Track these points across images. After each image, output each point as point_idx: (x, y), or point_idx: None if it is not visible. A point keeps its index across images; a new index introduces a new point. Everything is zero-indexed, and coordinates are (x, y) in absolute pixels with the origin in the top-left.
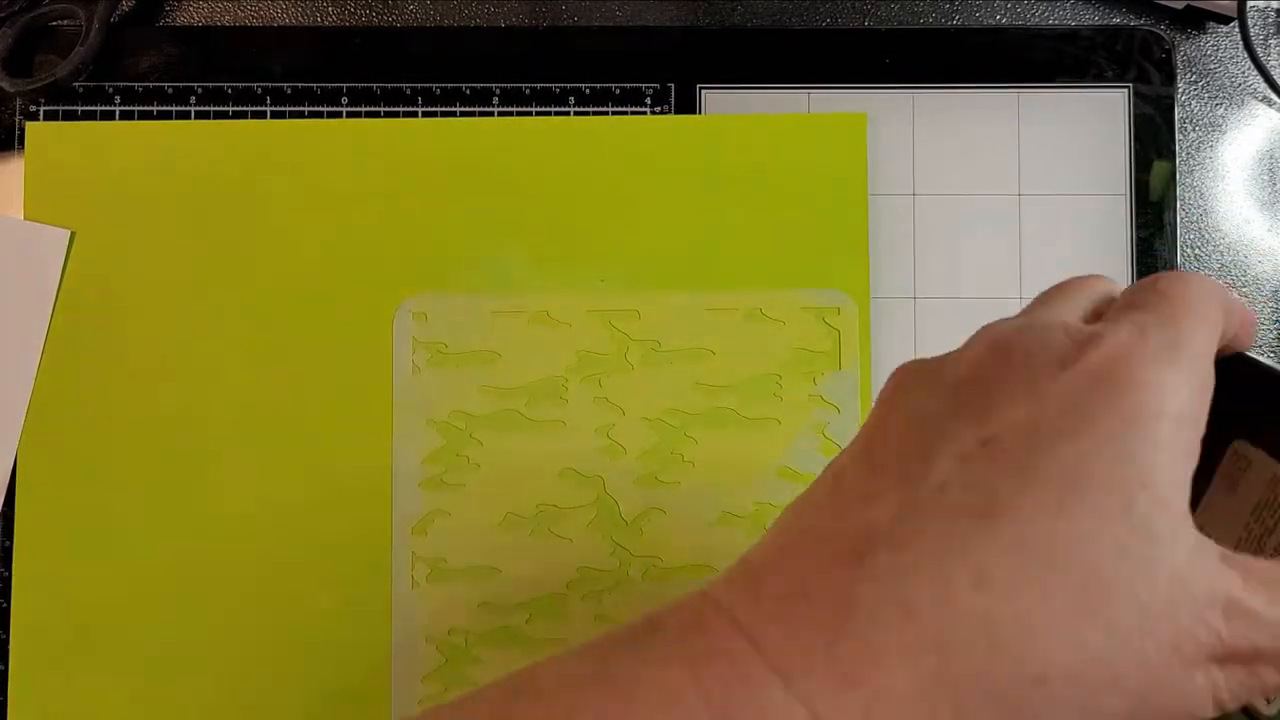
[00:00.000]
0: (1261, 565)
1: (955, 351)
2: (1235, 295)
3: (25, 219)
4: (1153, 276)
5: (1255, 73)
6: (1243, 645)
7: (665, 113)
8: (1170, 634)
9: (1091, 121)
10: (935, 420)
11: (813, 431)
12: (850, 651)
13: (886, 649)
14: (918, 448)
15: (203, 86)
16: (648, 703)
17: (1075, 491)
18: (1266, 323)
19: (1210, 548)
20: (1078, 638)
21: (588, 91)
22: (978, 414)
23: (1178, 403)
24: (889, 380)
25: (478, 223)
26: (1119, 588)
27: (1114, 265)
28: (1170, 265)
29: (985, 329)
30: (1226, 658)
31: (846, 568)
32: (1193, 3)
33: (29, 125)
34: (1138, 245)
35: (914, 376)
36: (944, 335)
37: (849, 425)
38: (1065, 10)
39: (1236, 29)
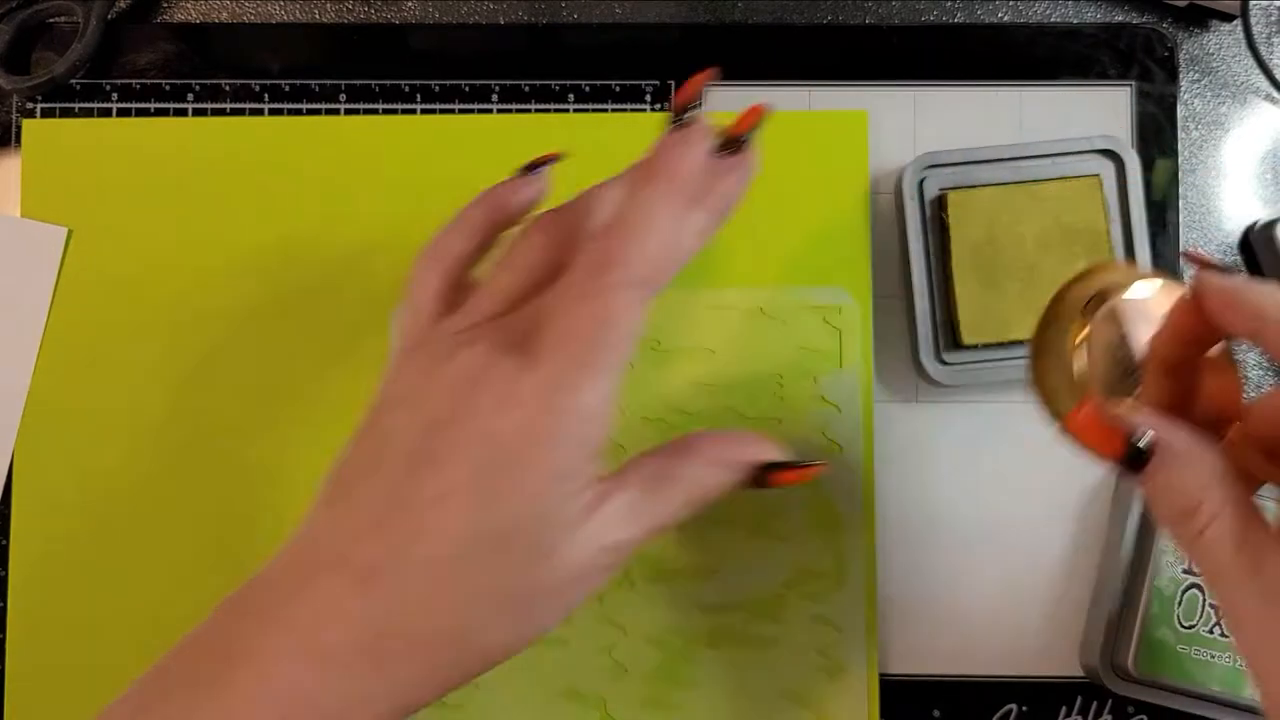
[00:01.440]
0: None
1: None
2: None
3: (22, 216)
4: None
5: (1258, 70)
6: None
7: (666, 110)
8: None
9: (1094, 119)
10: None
11: (814, 431)
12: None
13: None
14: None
15: (200, 83)
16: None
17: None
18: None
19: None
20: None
21: (587, 89)
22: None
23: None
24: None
25: None
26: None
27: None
28: (1173, 264)
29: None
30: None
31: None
32: (1196, 0)
33: (25, 123)
34: None
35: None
36: None
37: (850, 424)
38: (1068, 8)
39: (1239, 27)
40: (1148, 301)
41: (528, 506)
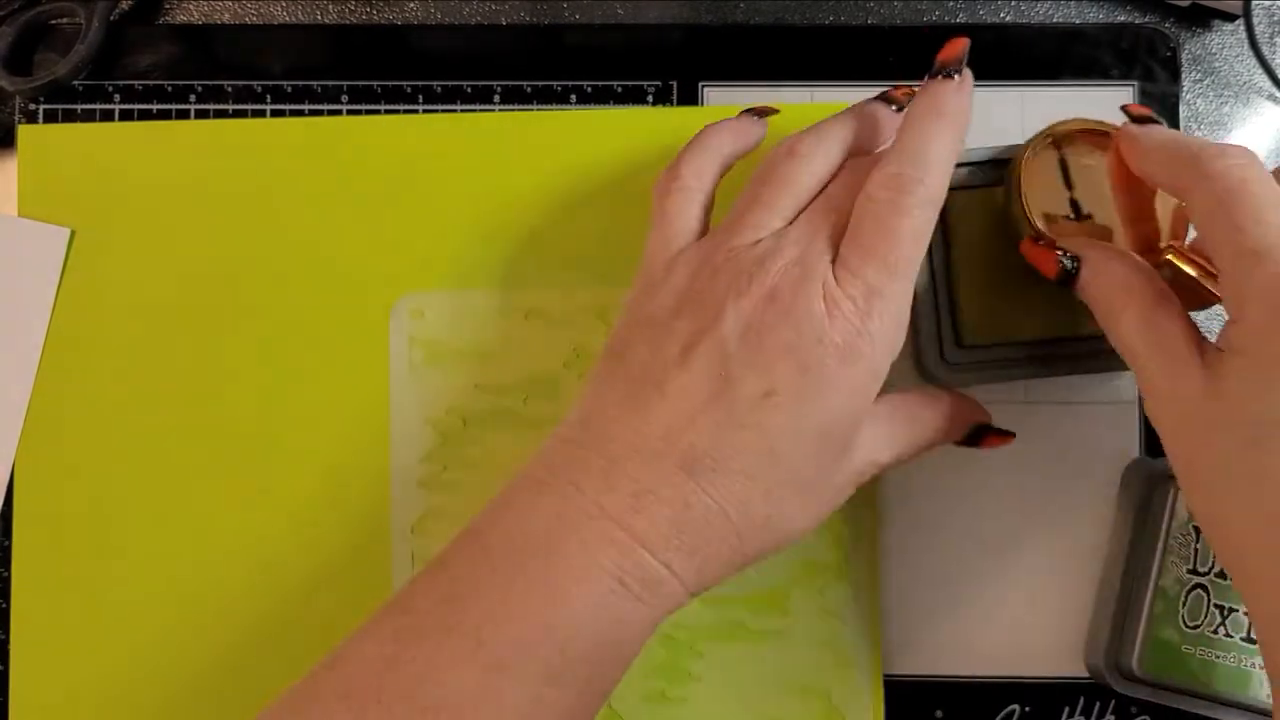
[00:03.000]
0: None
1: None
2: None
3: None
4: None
5: (1260, 70)
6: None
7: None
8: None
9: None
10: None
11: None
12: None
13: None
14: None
15: (203, 85)
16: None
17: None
18: None
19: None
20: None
21: (589, 89)
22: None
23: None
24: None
25: (474, 218)
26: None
27: None
28: None
29: (691, 253)
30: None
31: (680, 479)
32: (1198, 0)
33: (20, 129)
34: None
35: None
36: None
37: None
38: (1070, 8)
39: (1242, 26)
40: (1085, 143)
41: (848, 404)
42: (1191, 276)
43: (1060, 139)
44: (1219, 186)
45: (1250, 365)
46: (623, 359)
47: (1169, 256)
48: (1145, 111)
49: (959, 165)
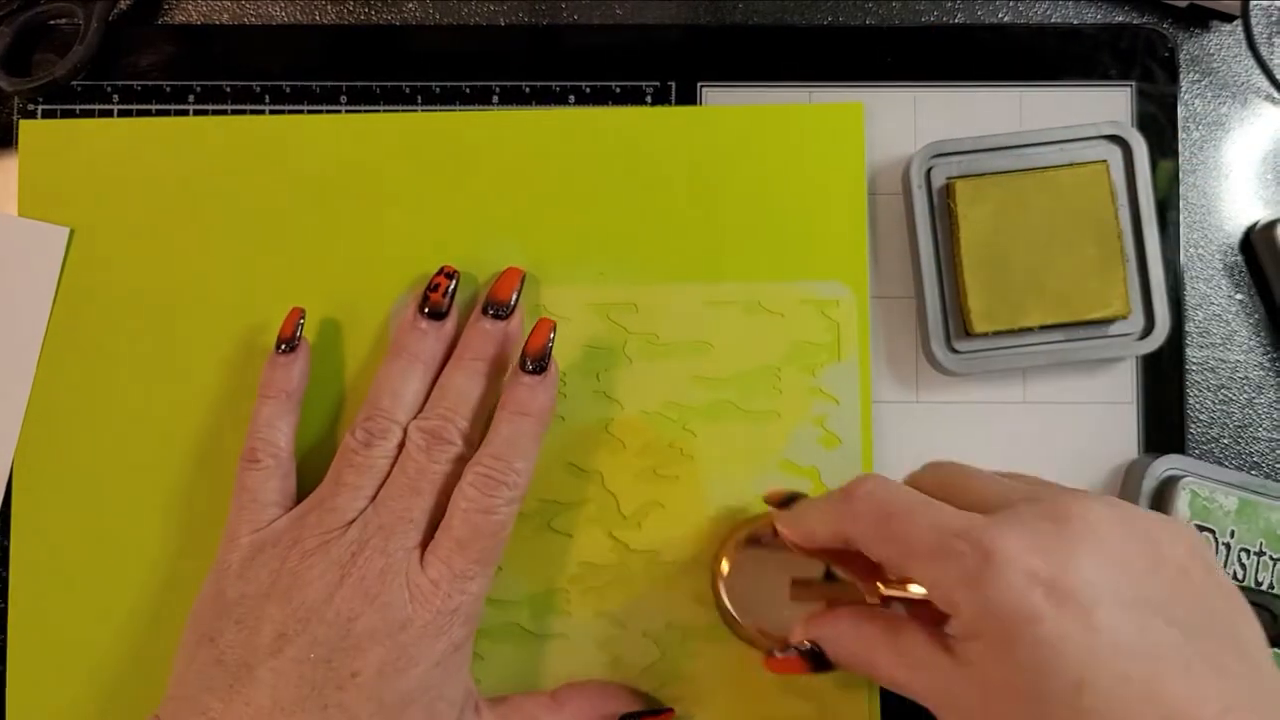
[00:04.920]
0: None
1: None
2: None
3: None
4: None
5: (1258, 71)
6: None
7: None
8: None
9: (1094, 120)
10: None
11: (812, 424)
12: None
13: None
14: None
15: (201, 85)
16: None
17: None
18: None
19: None
20: None
21: (588, 90)
22: None
23: None
24: None
25: (475, 217)
26: None
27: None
28: (1173, 264)
29: None
30: None
31: None
32: (1196, 0)
33: (22, 124)
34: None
35: None
36: None
37: (849, 417)
38: (1068, 8)
39: (1240, 27)
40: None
41: (429, 674)
42: (910, 600)
43: (742, 544)
44: (867, 521)
45: (983, 647)
46: (214, 643)
47: (883, 592)
48: (783, 493)
49: (961, 153)
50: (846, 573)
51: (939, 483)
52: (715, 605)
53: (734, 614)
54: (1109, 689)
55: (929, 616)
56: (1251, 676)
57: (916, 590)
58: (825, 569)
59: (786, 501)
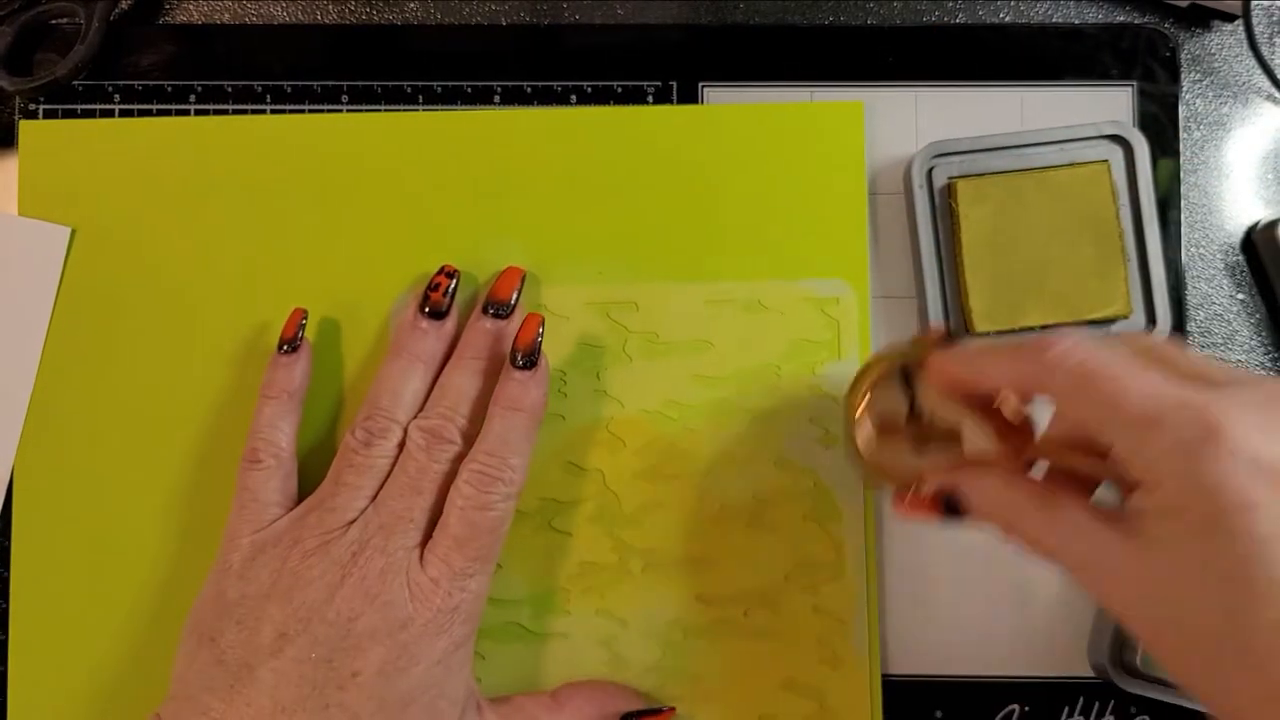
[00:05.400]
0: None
1: None
2: None
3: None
4: None
5: (1260, 70)
6: None
7: None
8: None
9: (1095, 119)
10: None
11: (812, 423)
12: None
13: None
14: None
15: (203, 85)
16: None
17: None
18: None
19: None
20: None
21: (589, 90)
22: None
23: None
24: None
25: (476, 216)
26: None
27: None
28: (1175, 264)
29: None
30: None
31: None
32: (1197, 0)
33: (22, 124)
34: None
35: None
36: None
37: None
38: (1069, 8)
39: (1241, 27)
40: (903, 374)
41: (430, 673)
42: (1075, 466)
43: (882, 379)
44: (1071, 375)
45: (1181, 526)
46: (214, 643)
47: (1042, 459)
48: (944, 329)
49: (963, 153)
50: (984, 430)
51: (1147, 348)
52: (846, 439)
53: (865, 449)
54: None
55: (1077, 491)
56: None
57: (1083, 452)
58: (914, 423)
59: (948, 339)
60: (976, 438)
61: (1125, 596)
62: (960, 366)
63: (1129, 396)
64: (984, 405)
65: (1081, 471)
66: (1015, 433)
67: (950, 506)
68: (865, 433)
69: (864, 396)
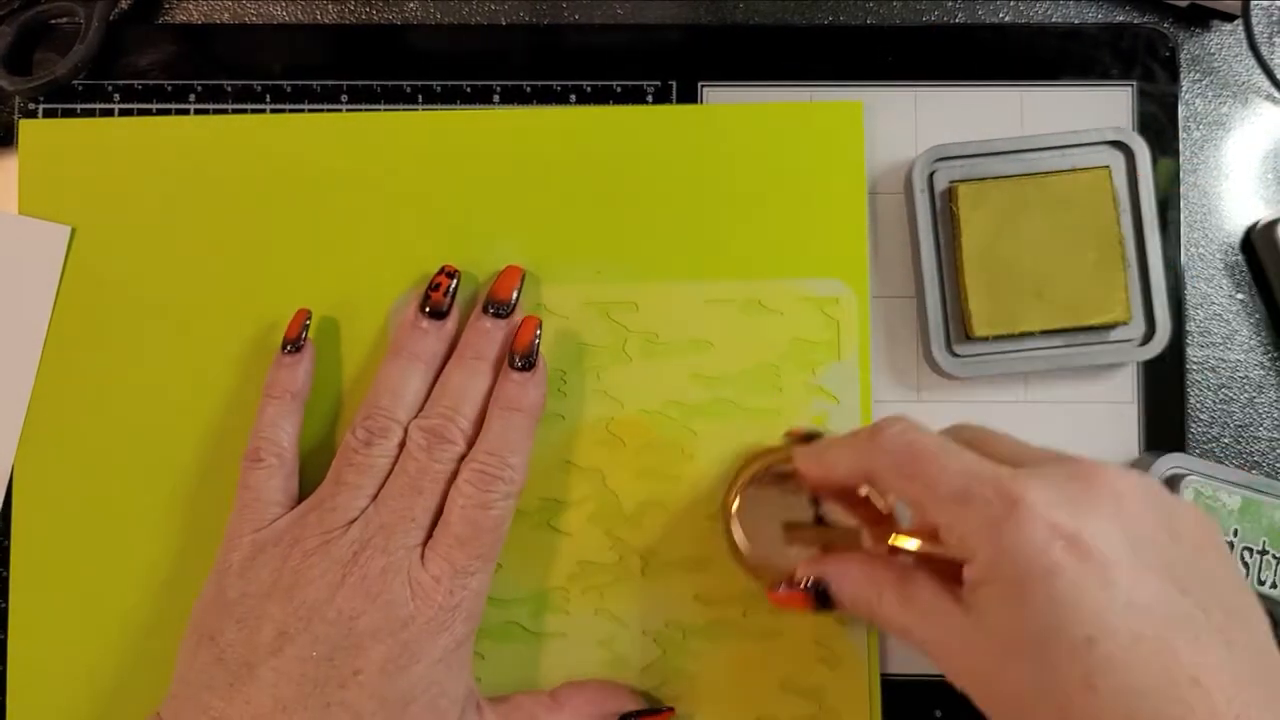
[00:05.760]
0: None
1: None
2: None
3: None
4: None
5: (1259, 70)
6: None
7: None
8: None
9: (1095, 119)
10: None
11: (813, 422)
12: None
13: None
14: None
15: (202, 84)
16: None
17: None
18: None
19: None
20: None
21: (589, 89)
22: None
23: None
24: None
25: (475, 216)
26: None
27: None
28: (1174, 264)
29: None
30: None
31: None
32: (1197, 0)
33: (22, 123)
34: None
35: None
36: None
37: (849, 415)
38: (1069, 8)
39: (1241, 26)
40: (772, 476)
41: (431, 672)
42: (919, 551)
43: (754, 480)
44: (895, 459)
45: (997, 592)
46: (214, 641)
47: (892, 542)
48: (804, 429)
49: (964, 157)
50: (854, 518)
51: (970, 438)
52: (724, 535)
53: (741, 547)
54: (1121, 646)
55: (935, 570)
56: (1257, 655)
57: (915, 545)
58: (816, 515)
59: (807, 438)
60: (843, 529)
61: (959, 665)
62: (813, 463)
63: (944, 475)
64: (851, 497)
65: (942, 556)
66: (884, 521)
67: (820, 596)
68: (739, 533)
69: (736, 496)
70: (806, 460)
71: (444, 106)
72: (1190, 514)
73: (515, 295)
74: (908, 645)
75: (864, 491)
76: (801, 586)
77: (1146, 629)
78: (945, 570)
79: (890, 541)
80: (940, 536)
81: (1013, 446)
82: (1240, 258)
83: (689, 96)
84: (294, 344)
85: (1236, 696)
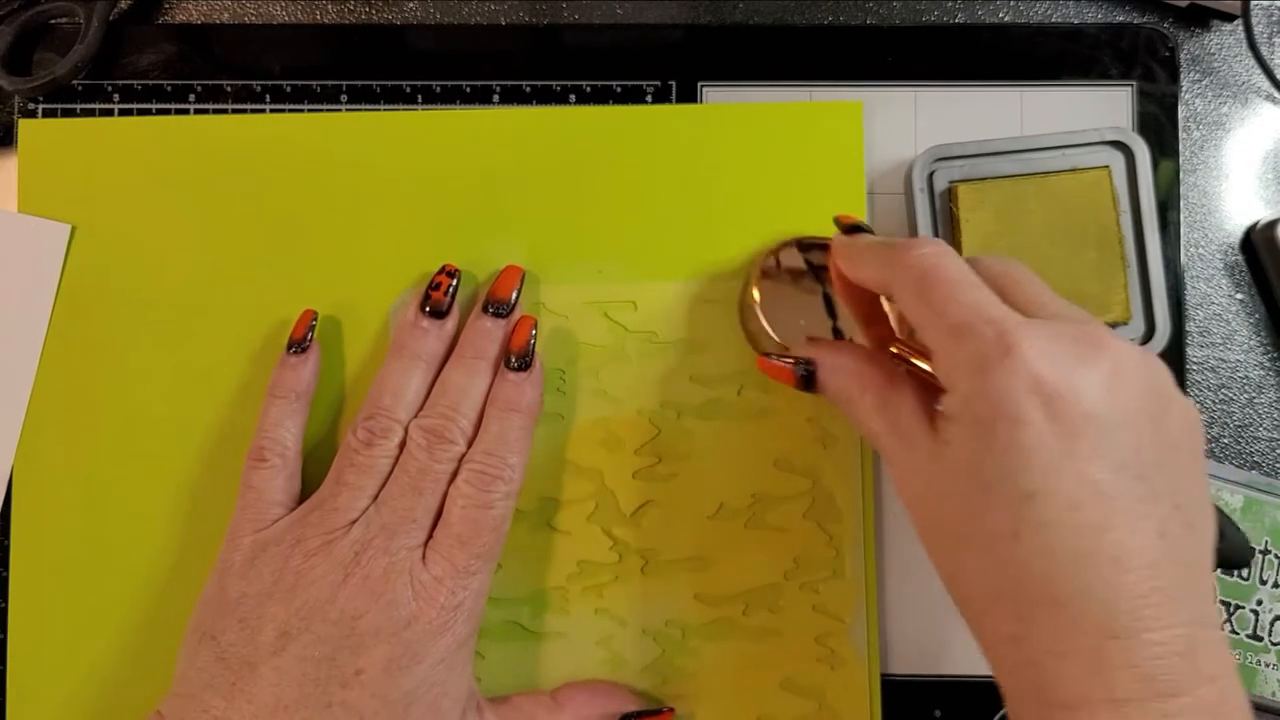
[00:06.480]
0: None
1: None
2: None
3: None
4: None
5: (1259, 70)
6: None
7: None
8: None
9: (1095, 119)
10: None
11: (811, 422)
12: None
13: None
14: None
15: (202, 84)
16: None
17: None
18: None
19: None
20: None
21: (588, 89)
22: None
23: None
24: None
25: (475, 215)
26: None
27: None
28: (1174, 264)
29: None
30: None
31: None
32: (1197, 0)
33: (22, 123)
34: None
35: None
36: None
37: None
38: (1069, 8)
39: (1240, 27)
40: (798, 261)
41: (433, 672)
42: (915, 365)
43: (782, 254)
44: (915, 275)
45: (964, 429)
46: (215, 641)
47: (892, 349)
48: (853, 220)
49: (964, 157)
50: (864, 329)
51: (998, 274)
52: (739, 317)
53: (768, 329)
54: (1056, 508)
55: (923, 393)
56: (1185, 553)
57: (923, 365)
58: (833, 327)
59: (853, 229)
60: (849, 321)
61: (911, 487)
62: (844, 254)
63: (951, 305)
64: (870, 308)
65: (932, 380)
66: (893, 340)
67: (806, 377)
68: (751, 295)
69: (768, 258)
70: (841, 249)
71: (443, 106)
72: (1182, 409)
73: (515, 295)
74: (872, 447)
75: (887, 306)
76: (793, 362)
77: (1086, 500)
78: (933, 397)
79: (890, 348)
80: (932, 363)
81: (1035, 294)
82: (1240, 258)
83: (689, 96)
84: (300, 344)
85: (1146, 583)
